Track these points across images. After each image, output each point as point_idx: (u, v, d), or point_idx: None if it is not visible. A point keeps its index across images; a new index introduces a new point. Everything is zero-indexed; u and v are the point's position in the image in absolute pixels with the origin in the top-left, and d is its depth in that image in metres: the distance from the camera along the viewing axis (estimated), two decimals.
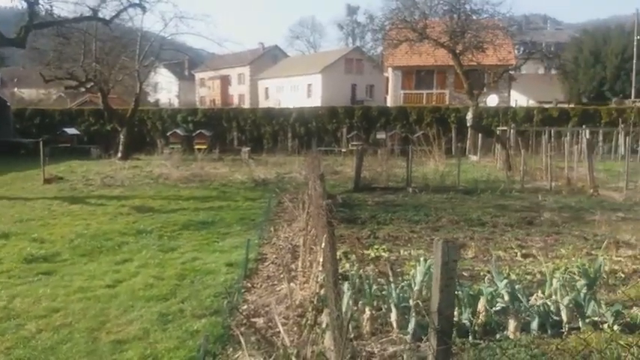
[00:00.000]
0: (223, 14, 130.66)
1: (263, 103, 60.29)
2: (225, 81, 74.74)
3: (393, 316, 4.66)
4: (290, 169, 17.78)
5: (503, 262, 6.81)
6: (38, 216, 10.31)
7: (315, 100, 52.07)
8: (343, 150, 23.65)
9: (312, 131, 26.31)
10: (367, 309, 4.64)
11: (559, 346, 4.27)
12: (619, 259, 6.94)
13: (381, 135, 24.79)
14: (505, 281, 4.91)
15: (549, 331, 4.56)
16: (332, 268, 4.03)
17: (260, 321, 4.94)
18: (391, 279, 5.25)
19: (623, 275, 6.26)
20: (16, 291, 5.88)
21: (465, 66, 18.32)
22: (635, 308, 5.04)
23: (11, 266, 6.83)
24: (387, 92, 44.49)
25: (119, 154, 22.33)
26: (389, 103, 39.52)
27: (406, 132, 24.91)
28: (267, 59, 73.87)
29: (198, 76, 77.19)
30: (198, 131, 26.18)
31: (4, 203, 11.87)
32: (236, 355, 4.19)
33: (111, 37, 22.86)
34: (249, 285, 6.00)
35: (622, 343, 4.15)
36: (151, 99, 55.24)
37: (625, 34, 45.93)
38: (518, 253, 7.24)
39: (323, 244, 4.68)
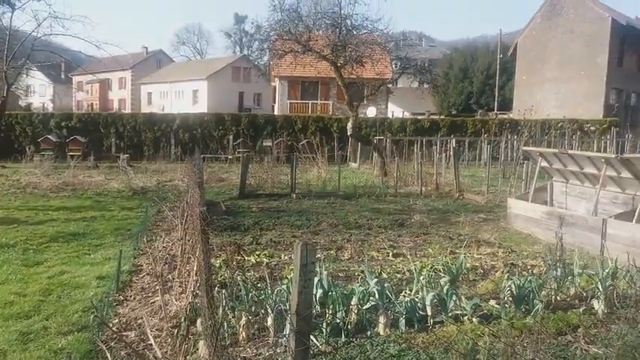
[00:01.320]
0: (105, 17, 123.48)
1: (145, 109, 57.97)
2: (105, 85, 70.72)
3: (270, 320, 4.69)
4: (172, 176, 17.27)
5: (376, 262, 7.14)
6: None
7: (202, 107, 51.01)
8: (229, 157, 23.43)
9: (197, 138, 25.79)
10: (244, 315, 4.64)
11: (424, 340, 4.53)
12: (480, 256, 7.54)
13: (267, 143, 24.98)
14: (375, 280, 5.11)
15: (416, 326, 4.77)
16: (205, 277, 3.99)
17: (132, 334, 4.75)
18: (269, 284, 5.30)
19: (482, 271, 6.79)
20: None
21: (345, 78, 19.03)
22: (491, 300, 5.47)
23: None
24: (274, 101, 44.83)
25: None
26: (276, 111, 39.85)
27: (292, 140, 25.29)
28: (150, 64, 71.14)
29: (75, 79, 71.94)
30: (72, 137, 24.60)
31: None
32: None
33: None
34: (121, 298, 5.74)
35: (478, 333, 4.55)
36: (23, 103, 51.06)
37: (490, 53, 50.65)
38: (390, 253, 7.61)
39: (197, 253, 4.63)
